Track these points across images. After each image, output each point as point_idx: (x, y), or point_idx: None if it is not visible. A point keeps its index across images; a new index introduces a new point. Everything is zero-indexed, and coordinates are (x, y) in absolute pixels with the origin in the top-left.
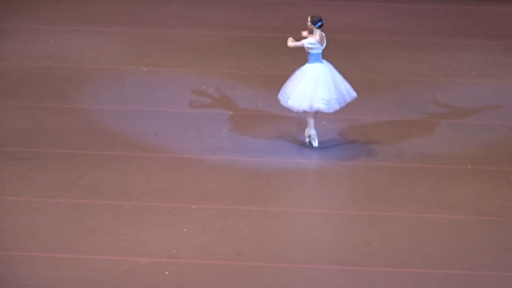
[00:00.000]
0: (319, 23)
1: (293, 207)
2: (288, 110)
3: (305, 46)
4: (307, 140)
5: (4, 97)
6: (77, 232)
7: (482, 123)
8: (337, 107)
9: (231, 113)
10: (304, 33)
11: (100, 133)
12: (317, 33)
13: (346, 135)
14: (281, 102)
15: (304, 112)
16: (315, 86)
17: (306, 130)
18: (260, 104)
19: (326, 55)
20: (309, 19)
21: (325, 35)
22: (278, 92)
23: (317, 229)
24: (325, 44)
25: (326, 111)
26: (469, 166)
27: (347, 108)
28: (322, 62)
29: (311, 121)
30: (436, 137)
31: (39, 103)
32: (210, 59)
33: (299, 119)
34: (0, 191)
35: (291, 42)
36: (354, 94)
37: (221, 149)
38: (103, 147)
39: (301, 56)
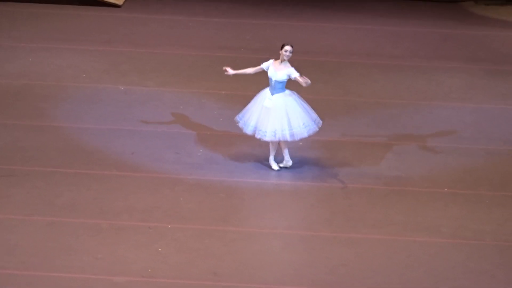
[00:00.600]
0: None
1: (270, 228)
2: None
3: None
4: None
5: None
6: (54, 250)
7: (460, 146)
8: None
9: (208, 133)
10: (264, 66)
11: (77, 152)
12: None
13: (323, 157)
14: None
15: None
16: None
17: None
18: (238, 125)
19: (308, 76)
20: (291, 48)
21: (303, 57)
22: None
23: (293, 251)
24: None
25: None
26: (446, 190)
27: (325, 130)
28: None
29: (274, 147)
30: (413, 160)
31: (17, 120)
32: (188, 79)
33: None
34: None
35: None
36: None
37: (198, 169)
38: (80, 165)
39: None
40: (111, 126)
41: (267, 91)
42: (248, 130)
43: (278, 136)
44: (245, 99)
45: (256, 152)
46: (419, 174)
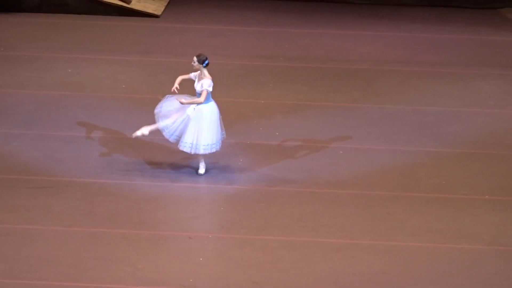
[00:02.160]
0: (207, 62)
1: (310, 237)
2: (302, 140)
3: (208, 91)
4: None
5: (21, 125)
6: (93, 260)
7: (499, 153)
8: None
9: (248, 142)
10: (192, 75)
11: (116, 162)
12: (206, 72)
13: (361, 164)
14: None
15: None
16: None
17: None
18: (277, 133)
19: (344, 85)
20: (195, 59)
21: (341, 65)
22: (295, 121)
23: (333, 259)
24: None
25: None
26: (486, 196)
27: (362, 138)
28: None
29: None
30: (452, 166)
31: (55, 131)
32: (227, 88)
33: (314, 148)
34: (16, 220)
35: (184, 100)
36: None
37: (237, 179)
38: (119, 176)
39: (318, 85)
40: (150, 136)
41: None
42: (167, 135)
43: (192, 150)
44: (284, 108)
45: (295, 162)
46: (458, 181)
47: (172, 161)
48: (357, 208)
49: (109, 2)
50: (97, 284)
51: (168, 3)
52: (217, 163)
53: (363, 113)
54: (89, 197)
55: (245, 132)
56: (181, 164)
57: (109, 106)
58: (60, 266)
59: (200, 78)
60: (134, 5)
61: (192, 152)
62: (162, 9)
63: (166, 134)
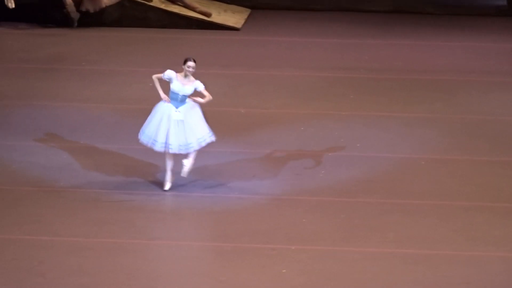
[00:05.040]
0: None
1: (392, 248)
2: (383, 151)
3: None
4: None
5: (102, 139)
6: (176, 273)
7: None
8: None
9: (329, 154)
10: (166, 77)
11: (198, 175)
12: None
13: (443, 176)
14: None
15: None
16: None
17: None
18: (358, 145)
19: (424, 96)
20: (194, 64)
21: (420, 76)
22: (376, 132)
23: (415, 270)
24: None
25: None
26: None
27: (444, 148)
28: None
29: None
30: None
31: (137, 145)
32: (308, 100)
33: (396, 159)
34: (99, 233)
35: (201, 100)
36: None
37: (319, 190)
38: (202, 189)
39: (399, 96)
40: (231, 149)
41: (167, 105)
42: (157, 147)
43: (201, 145)
44: (365, 119)
45: (376, 172)
46: None
47: (255, 172)
48: (439, 219)
49: (190, 16)
50: None
51: (248, 16)
52: (299, 175)
53: (444, 124)
54: (174, 211)
55: (326, 144)
56: (261, 175)
57: None
58: (142, 280)
59: (189, 81)
60: (215, 18)
61: (198, 147)
62: (242, 22)
63: (180, 150)
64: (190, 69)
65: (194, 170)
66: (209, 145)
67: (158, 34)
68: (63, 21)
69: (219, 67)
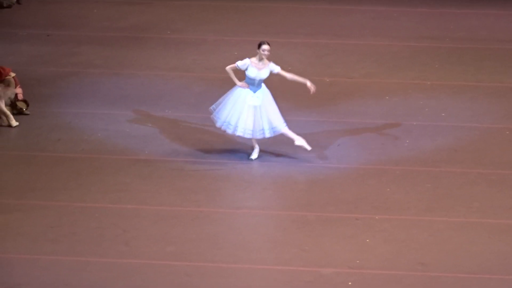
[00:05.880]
0: None
1: (477, 218)
2: (469, 121)
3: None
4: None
5: (188, 108)
6: (260, 242)
7: None
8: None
9: (414, 123)
10: (241, 65)
11: (283, 144)
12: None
13: None
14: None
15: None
16: None
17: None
18: (443, 114)
19: (509, 66)
20: (268, 47)
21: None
22: (461, 102)
23: (500, 240)
24: None
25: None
26: None
27: None
28: None
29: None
30: None
31: None
32: (393, 69)
33: (481, 128)
34: (184, 202)
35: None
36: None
37: (403, 160)
38: (283, 158)
39: (485, 66)
40: (316, 118)
41: (245, 90)
42: (231, 130)
43: (273, 133)
44: (450, 89)
45: (461, 142)
46: None
47: (341, 142)
48: None
49: None
50: (263, 266)
51: None
52: (384, 144)
53: None
54: (258, 180)
55: (411, 113)
56: (346, 145)
57: (275, 87)
58: (227, 248)
59: (264, 64)
60: None
61: (270, 135)
62: None
63: (259, 135)
64: (266, 52)
65: (279, 139)
66: (295, 114)
67: (243, 3)
68: None
69: (304, 36)
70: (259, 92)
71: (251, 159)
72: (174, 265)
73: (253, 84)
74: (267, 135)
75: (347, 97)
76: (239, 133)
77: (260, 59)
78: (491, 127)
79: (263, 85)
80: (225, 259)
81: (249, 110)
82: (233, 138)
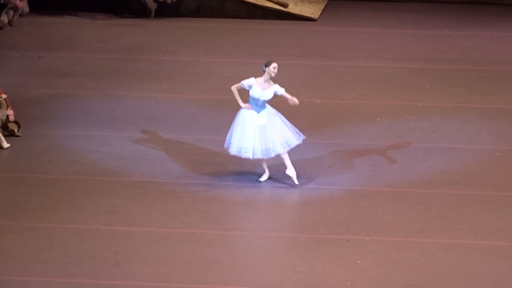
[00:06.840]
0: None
1: (468, 239)
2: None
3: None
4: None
5: (180, 129)
6: (251, 264)
7: None
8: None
9: (406, 145)
10: (246, 85)
11: (277, 167)
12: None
13: None
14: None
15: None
16: None
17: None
18: (434, 136)
19: (502, 87)
20: (276, 65)
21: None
22: (453, 123)
23: (492, 262)
24: None
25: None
26: None
27: None
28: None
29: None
30: None
31: (214, 136)
32: (384, 91)
33: (472, 150)
34: (175, 224)
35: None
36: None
37: (395, 181)
38: (277, 182)
39: (477, 88)
40: (308, 139)
41: (249, 112)
42: (249, 154)
43: (286, 149)
44: (442, 111)
45: (453, 164)
46: None
47: (332, 163)
48: None
49: (267, 6)
50: (255, 287)
51: (325, 6)
52: (375, 166)
53: None
54: (249, 202)
55: (403, 135)
56: (338, 166)
57: None
58: (219, 270)
59: (269, 85)
60: (291, 9)
61: (286, 150)
62: (319, 12)
63: (264, 155)
64: (275, 70)
65: (270, 161)
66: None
67: (235, 25)
68: (140, 11)
69: (296, 58)
70: (263, 112)
71: (260, 181)
72: (166, 287)
73: (257, 105)
74: (280, 151)
75: (338, 118)
76: (257, 156)
77: (266, 80)
78: (483, 148)
79: (267, 105)
80: (216, 281)
81: (260, 130)
82: (224, 160)
